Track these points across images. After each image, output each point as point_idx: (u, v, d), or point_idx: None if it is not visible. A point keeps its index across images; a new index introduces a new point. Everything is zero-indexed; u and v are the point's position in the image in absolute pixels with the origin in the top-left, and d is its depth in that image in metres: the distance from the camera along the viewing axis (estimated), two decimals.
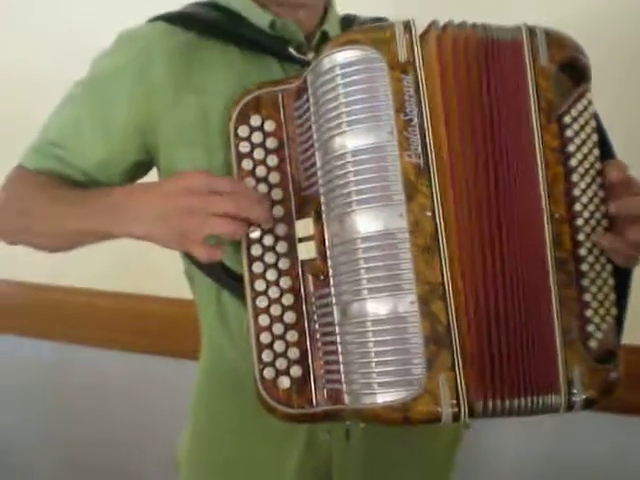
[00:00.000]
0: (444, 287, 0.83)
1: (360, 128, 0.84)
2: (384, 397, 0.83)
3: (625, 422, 1.49)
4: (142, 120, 1.01)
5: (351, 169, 0.84)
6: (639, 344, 1.26)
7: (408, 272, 0.83)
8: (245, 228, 0.87)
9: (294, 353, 0.91)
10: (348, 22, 1.12)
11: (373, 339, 0.83)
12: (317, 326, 0.90)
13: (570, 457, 1.61)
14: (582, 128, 0.88)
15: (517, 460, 1.65)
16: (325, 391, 0.89)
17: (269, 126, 0.93)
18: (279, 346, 0.91)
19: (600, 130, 0.92)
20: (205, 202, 0.85)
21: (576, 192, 0.87)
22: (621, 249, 0.88)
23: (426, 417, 0.82)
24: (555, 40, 0.88)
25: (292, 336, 0.91)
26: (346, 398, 0.86)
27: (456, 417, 0.82)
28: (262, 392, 0.90)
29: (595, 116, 0.91)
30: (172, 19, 1.04)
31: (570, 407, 0.87)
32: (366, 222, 0.84)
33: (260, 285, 0.92)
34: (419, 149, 0.83)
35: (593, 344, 0.88)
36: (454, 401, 0.82)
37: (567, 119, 0.87)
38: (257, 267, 0.92)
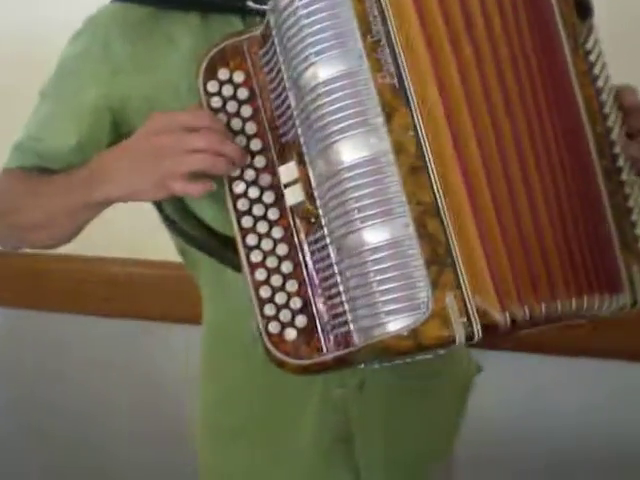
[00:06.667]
0: (437, 205, 0.81)
1: (329, 56, 0.82)
2: (394, 325, 0.80)
3: None
4: (110, 99, 1.00)
5: (325, 100, 0.82)
6: None
7: (398, 195, 0.81)
8: (223, 163, 0.85)
9: (296, 303, 0.88)
10: None
11: (373, 268, 0.81)
12: (315, 271, 0.88)
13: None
14: (598, 57, 0.92)
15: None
16: (333, 336, 0.86)
17: (238, 77, 0.91)
18: (280, 298, 0.88)
19: None
20: (174, 140, 0.83)
21: (606, 109, 0.91)
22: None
23: (438, 341, 0.80)
24: None
25: (292, 286, 0.88)
26: (355, 338, 0.84)
27: (470, 336, 0.79)
28: (270, 347, 0.88)
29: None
30: None
31: (634, 304, 0.90)
32: (348, 151, 0.82)
33: (252, 239, 0.89)
34: (392, 69, 0.82)
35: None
36: (465, 319, 0.80)
37: (589, 45, 0.91)
38: (246, 221, 0.89)
